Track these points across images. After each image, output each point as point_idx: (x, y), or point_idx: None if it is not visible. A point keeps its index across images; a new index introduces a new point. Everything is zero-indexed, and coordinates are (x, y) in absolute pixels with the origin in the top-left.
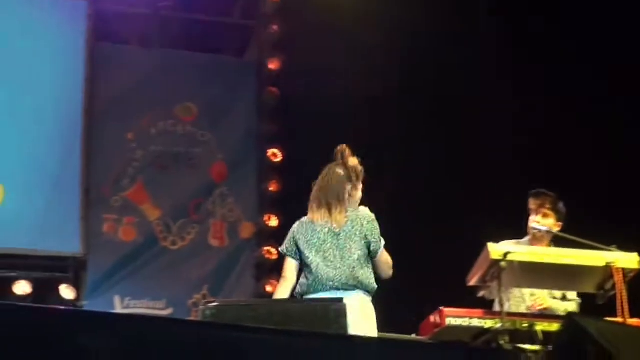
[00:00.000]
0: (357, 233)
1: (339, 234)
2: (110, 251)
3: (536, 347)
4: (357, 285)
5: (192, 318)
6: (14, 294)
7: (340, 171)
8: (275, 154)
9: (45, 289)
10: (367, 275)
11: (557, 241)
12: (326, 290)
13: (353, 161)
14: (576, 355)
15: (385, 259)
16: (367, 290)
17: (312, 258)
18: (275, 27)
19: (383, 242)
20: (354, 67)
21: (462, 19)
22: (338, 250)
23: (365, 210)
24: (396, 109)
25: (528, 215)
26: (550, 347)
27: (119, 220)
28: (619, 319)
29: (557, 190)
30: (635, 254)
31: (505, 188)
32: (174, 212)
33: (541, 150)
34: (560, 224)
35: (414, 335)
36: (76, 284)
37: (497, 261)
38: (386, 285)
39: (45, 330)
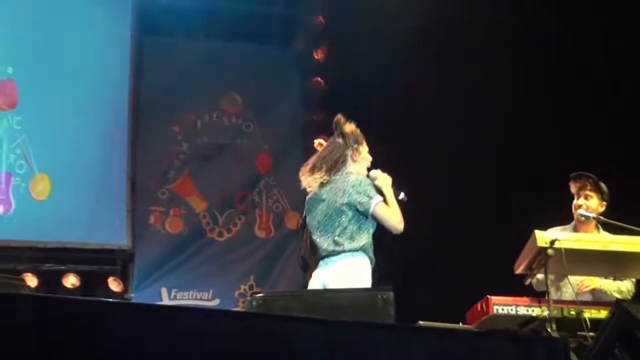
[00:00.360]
0: (338, 199)
1: (326, 201)
2: (157, 243)
3: (585, 334)
4: (342, 249)
5: (238, 309)
6: (63, 287)
7: (339, 140)
8: (321, 144)
9: (93, 282)
10: (352, 237)
11: (603, 225)
12: (319, 257)
13: (349, 127)
14: (625, 342)
15: (382, 215)
16: (355, 250)
17: (309, 226)
18: (320, 18)
19: (376, 199)
20: (397, 55)
21: None
22: (323, 217)
23: (353, 176)
24: (440, 94)
25: (572, 200)
26: (598, 334)
27: (165, 212)
28: None
29: (602, 175)
30: None
31: (554, 174)
32: (220, 203)
33: (587, 136)
34: (605, 203)
35: (460, 324)
36: (123, 277)
37: (544, 249)
38: (433, 273)
39: (95, 323)
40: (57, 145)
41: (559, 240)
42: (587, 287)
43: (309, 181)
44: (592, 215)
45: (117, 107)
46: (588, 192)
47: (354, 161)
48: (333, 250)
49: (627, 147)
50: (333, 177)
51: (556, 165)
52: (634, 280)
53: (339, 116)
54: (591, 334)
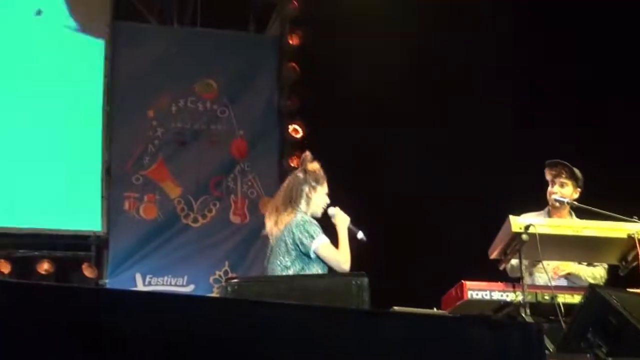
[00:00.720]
0: (284, 238)
1: (274, 240)
2: (132, 229)
3: (558, 319)
4: None
5: (213, 294)
6: (37, 273)
7: (300, 174)
8: (296, 130)
9: (67, 268)
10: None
11: (577, 210)
12: None
13: (312, 166)
14: (598, 326)
15: (324, 256)
16: None
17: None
18: (294, 2)
19: (319, 242)
20: (376, 41)
21: None
22: (271, 255)
23: (300, 215)
24: (416, 83)
25: (547, 186)
26: (572, 319)
27: (140, 198)
28: None
29: (577, 161)
30: None
31: (528, 160)
32: (194, 189)
33: (563, 122)
34: (579, 190)
35: (435, 309)
36: (98, 263)
37: (518, 234)
38: (408, 259)
39: (69, 310)
40: (30, 132)
41: (533, 225)
42: (562, 271)
43: (269, 227)
44: (567, 200)
45: (91, 92)
46: (563, 180)
47: (309, 199)
48: None
49: (595, 130)
50: (287, 218)
51: (528, 150)
52: (606, 266)
53: (307, 153)
54: (565, 318)
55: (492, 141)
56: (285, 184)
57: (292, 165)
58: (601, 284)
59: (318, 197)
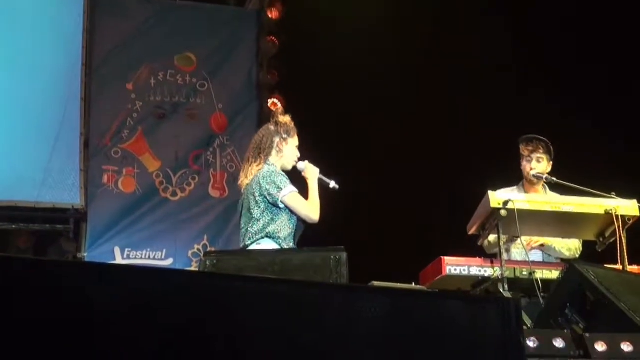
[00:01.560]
0: (252, 192)
1: (245, 194)
2: (111, 202)
3: (536, 294)
4: (252, 241)
5: (192, 268)
6: (15, 246)
7: (271, 126)
8: (275, 104)
9: (45, 241)
10: (264, 229)
11: (551, 184)
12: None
13: (284, 119)
14: (576, 301)
15: (292, 206)
16: (269, 237)
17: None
18: None
19: (286, 191)
20: (352, 14)
21: None
22: (242, 208)
23: (267, 167)
24: (397, 56)
25: (520, 161)
26: (550, 294)
27: (119, 172)
28: (618, 266)
29: (562, 138)
30: (634, 201)
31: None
32: (174, 163)
33: (540, 97)
34: (551, 163)
35: (413, 284)
36: (76, 236)
37: (497, 209)
38: (387, 234)
39: (47, 283)
40: (8, 105)
41: (512, 201)
42: (536, 242)
43: (242, 180)
44: (546, 176)
45: (69, 66)
46: (540, 155)
47: (280, 150)
48: (245, 243)
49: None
50: (256, 169)
51: (504, 125)
52: (581, 241)
53: (279, 106)
54: (543, 294)
55: (472, 116)
56: (256, 136)
57: None
58: (577, 255)
59: (289, 149)
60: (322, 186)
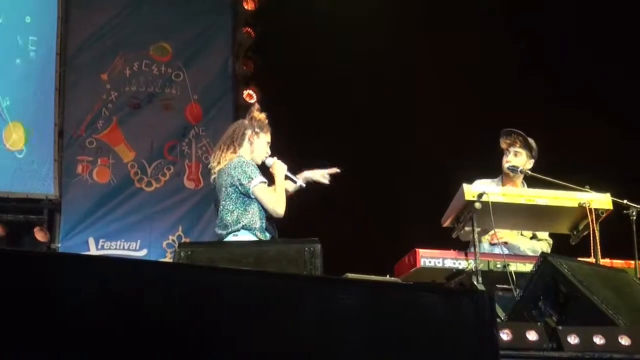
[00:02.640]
0: (223, 182)
1: (217, 184)
2: (85, 193)
3: (510, 287)
4: (228, 232)
5: (166, 259)
6: None
7: (245, 120)
8: (251, 95)
9: (19, 232)
10: (238, 219)
11: (529, 180)
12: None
13: (259, 115)
14: (549, 294)
15: (260, 197)
16: (245, 229)
17: None
18: None
19: (257, 181)
20: (332, 7)
21: None
22: (214, 201)
23: (237, 158)
24: (373, 51)
25: (501, 155)
26: (524, 287)
27: (93, 162)
28: (592, 259)
29: (536, 132)
30: (607, 195)
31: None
32: (149, 153)
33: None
34: (533, 160)
35: (388, 276)
36: (50, 227)
37: (471, 202)
38: (361, 226)
39: (20, 275)
40: None
41: (486, 194)
42: (500, 238)
43: (212, 165)
44: (520, 169)
45: (44, 55)
46: (517, 149)
47: (251, 143)
48: (221, 234)
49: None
50: (228, 158)
51: (481, 118)
52: (551, 243)
53: (257, 105)
54: (516, 287)
55: (447, 108)
56: (230, 127)
57: None
58: None
59: (259, 144)
60: (292, 182)
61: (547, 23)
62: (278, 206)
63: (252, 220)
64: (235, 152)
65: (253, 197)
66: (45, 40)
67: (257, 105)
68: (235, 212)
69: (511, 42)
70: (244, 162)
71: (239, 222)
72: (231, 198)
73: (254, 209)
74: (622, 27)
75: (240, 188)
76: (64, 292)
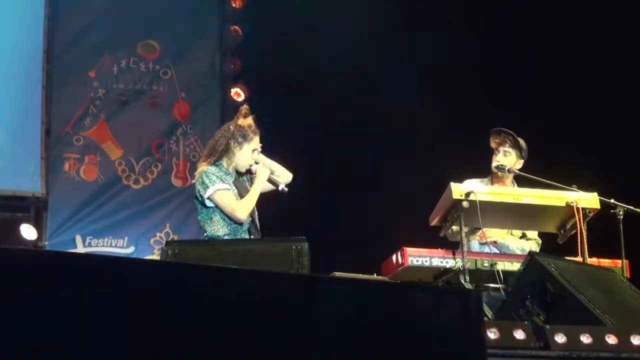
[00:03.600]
0: (194, 191)
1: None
2: (72, 190)
3: (497, 286)
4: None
5: (154, 256)
6: None
7: (230, 127)
8: (238, 93)
9: (5, 230)
10: (205, 229)
11: (519, 179)
12: None
13: (244, 121)
14: (536, 293)
15: (217, 203)
16: (212, 238)
17: None
18: None
19: (212, 189)
20: (319, 5)
21: None
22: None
23: (204, 168)
24: (361, 48)
25: (492, 154)
26: (510, 286)
27: (80, 160)
28: (579, 258)
29: (524, 132)
30: (594, 194)
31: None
32: (136, 151)
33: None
34: (523, 160)
35: (375, 275)
36: (37, 224)
37: (459, 201)
38: (349, 224)
39: (6, 273)
40: None
41: (474, 192)
42: (489, 237)
43: (195, 175)
44: (508, 168)
45: (31, 53)
46: (507, 149)
47: (233, 154)
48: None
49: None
50: (199, 170)
51: (473, 117)
52: (539, 242)
53: (244, 106)
54: (504, 286)
55: (438, 107)
56: (215, 134)
57: None
58: None
59: (242, 155)
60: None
61: (536, 22)
62: (238, 210)
63: (215, 229)
64: (210, 162)
65: (212, 205)
66: (32, 38)
67: (244, 109)
68: (201, 222)
69: (504, 42)
70: (206, 171)
71: (205, 232)
72: (197, 209)
73: (217, 217)
74: (618, 22)
75: (200, 199)
76: (52, 291)
